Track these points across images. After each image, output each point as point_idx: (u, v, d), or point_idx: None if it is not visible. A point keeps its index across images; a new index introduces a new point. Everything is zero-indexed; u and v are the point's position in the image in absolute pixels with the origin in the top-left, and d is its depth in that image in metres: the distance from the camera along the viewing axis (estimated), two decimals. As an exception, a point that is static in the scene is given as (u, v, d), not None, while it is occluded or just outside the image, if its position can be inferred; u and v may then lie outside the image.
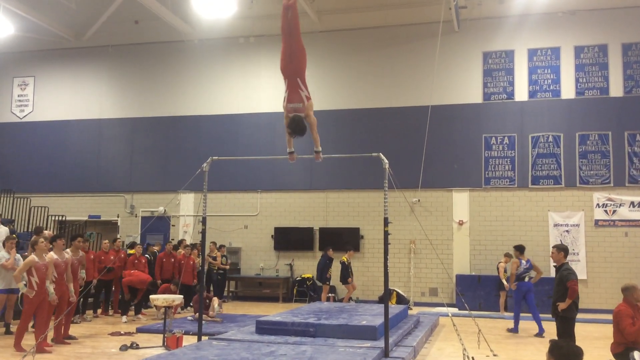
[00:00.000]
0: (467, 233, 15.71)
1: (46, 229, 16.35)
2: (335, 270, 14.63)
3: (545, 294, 13.54)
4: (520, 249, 11.68)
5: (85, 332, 10.46)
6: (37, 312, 8.58)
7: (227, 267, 15.78)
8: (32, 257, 8.56)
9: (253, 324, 9.23)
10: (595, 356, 8.17)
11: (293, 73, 7.03)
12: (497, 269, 13.96)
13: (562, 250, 8.10)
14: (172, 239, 16.98)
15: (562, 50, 15.72)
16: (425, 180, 15.57)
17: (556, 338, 7.50)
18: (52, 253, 8.93)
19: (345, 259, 14.49)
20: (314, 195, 16.84)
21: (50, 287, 8.58)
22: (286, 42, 7.07)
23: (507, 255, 14.04)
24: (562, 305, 7.67)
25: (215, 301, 12.12)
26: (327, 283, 14.47)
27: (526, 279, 11.23)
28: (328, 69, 17.02)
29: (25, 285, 8.52)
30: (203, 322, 9.06)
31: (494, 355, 8.70)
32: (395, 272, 15.68)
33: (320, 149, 7.49)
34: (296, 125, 6.86)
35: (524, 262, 11.42)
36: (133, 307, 12.55)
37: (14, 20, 16.31)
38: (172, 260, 13.79)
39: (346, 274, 14.39)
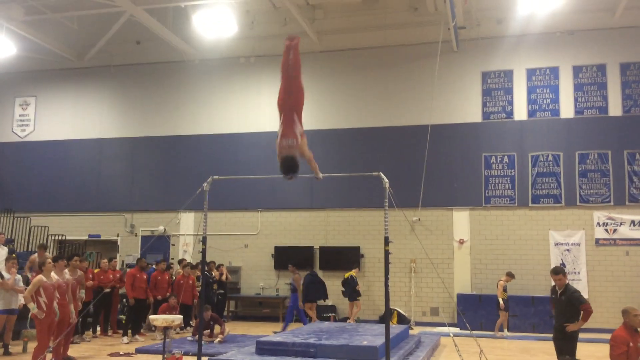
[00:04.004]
0: (468, 252, 15.67)
1: (46, 249, 16.35)
2: (337, 288, 14.69)
3: (546, 313, 13.45)
4: None
5: (85, 352, 10.40)
6: (42, 331, 8.44)
7: (229, 279, 15.64)
8: (41, 277, 8.46)
9: (253, 345, 9.18)
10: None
11: (290, 108, 6.97)
12: (497, 287, 13.89)
13: (561, 272, 7.93)
14: (173, 259, 16.96)
15: (561, 70, 15.81)
16: (426, 199, 15.60)
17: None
18: (53, 273, 8.88)
19: (354, 274, 14.55)
20: (314, 214, 16.82)
21: (56, 307, 8.53)
22: (285, 81, 7.04)
23: (509, 274, 14.00)
24: (572, 327, 7.57)
25: (219, 329, 11.90)
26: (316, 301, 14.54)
27: None
28: (328, 89, 17.11)
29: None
30: (205, 342, 8.98)
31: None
32: (396, 291, 15.62)
33: (320, 176, 7.68)
34: (288, 167, 6.74)
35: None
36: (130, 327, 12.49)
37: (16, 40, 16.45)
38: (167, 278, 13.72)
39: (355, 290, 14.47)
